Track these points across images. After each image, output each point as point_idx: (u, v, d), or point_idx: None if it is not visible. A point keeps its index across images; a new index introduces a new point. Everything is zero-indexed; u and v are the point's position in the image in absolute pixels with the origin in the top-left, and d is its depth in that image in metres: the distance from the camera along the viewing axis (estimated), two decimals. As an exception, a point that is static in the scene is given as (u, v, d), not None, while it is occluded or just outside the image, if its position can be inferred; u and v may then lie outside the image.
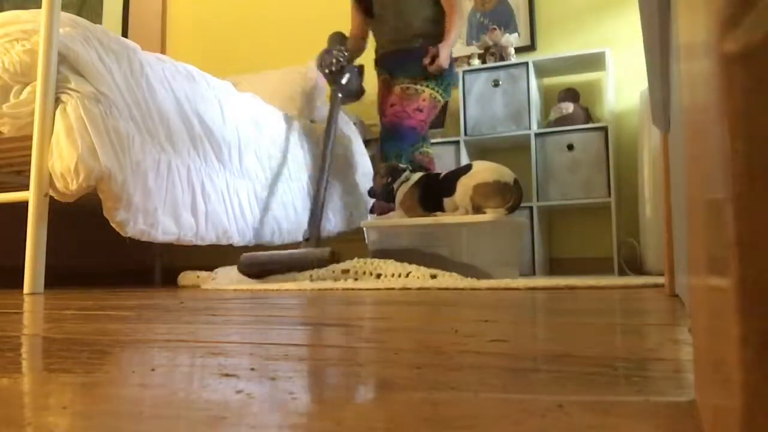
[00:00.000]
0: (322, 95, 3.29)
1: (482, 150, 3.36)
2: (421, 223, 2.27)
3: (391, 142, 2.73)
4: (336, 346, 0.56)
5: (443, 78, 2.78)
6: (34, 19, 1.88)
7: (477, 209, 2.25)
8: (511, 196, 2.25)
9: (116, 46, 2.02)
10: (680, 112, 0.60)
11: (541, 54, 3.26)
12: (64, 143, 1.81)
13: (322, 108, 3.31)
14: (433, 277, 2.00)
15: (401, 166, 2.52)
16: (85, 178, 1.79)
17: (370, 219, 2.72)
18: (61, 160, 1.80)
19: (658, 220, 2.45)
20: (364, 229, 2.49)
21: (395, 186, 2.48)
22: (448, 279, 1.95)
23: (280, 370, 0.43)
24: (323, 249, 2.31)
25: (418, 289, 1.70)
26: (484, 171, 2.29)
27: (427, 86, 2.75)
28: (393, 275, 2.06)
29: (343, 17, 3.74)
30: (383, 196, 2.54)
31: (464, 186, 2.27)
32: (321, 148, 2.71)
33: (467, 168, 2.34)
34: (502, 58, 3.22)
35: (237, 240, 2.41)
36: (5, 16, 1.95)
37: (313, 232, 2.48)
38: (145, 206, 1.99)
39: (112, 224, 1.92)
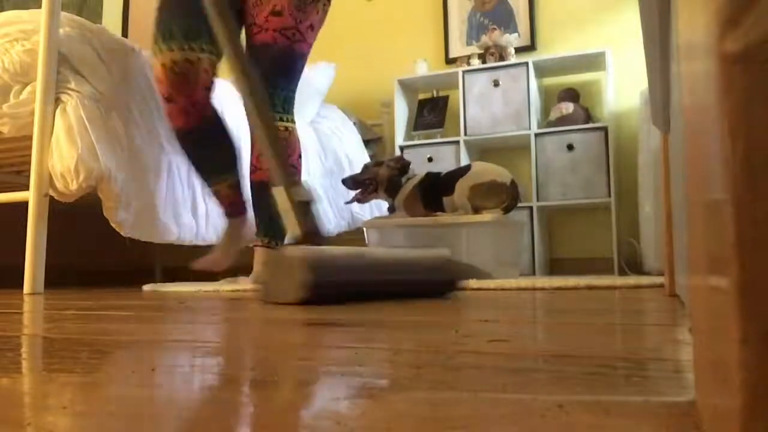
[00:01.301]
0: (322, 95, 3.29)
1: (482, 150, 3.36)
2: (421, 223, 2.26)
3: (278, 75, 1.85)
4: (336, 346, 0.56)
5: None
6: (34, 19, 1.88)
7: (475, 209, 2.25)
8: (507, 196, 2.26)
9: (116, 46, 2.02)
10: (680, 112, 0.60)
11: (541, 54, 3.26)
12: (63, 143, 1.81)
13: (322, 107, 3.31)
14: None
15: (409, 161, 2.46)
16: (85, 178, 1.79)
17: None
18: (60, 160, 1.80)
19: (658, 220, 2.45)
20: (364, 229, 2.48)
21: (403, 180, 2.41)
22: None
23: (279, 370, 0.43)
24: (437, 251, 1.39)
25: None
26: (480, 171, 2.30)
27: None
28: None
29: (343, 17, 3.74)
30: (389, 191, 2.40)
31: (461, 187, 2.28)
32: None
33: (466, 168, 2.35)
34: (502, 58, 3.22)
35: (237, 240, 2.41)
36: (5, 16, 1.95)
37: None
38: (146, 206, 1.99)
39: (112, 224, 1.92)
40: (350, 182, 2.47)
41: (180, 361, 0.49)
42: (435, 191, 2.37)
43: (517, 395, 0.34)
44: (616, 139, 3.03)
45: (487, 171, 2.30)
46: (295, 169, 1.91)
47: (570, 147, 2.96)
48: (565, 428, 0.27)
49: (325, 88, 3.27)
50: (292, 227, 1.34)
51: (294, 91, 1.91)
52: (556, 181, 2.98)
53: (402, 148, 3.27)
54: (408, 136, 3.39)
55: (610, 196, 2.87)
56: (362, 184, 2.46)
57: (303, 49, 1.89)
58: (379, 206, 3.18)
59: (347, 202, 2.57)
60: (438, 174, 2.43)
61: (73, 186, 1.80)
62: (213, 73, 1.88)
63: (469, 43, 3.51)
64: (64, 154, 1.80)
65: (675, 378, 0.39)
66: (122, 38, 2.10)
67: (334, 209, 3.06)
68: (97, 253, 3.08)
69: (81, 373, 0.43)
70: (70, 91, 1.85)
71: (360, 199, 2.47)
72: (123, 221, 1.92)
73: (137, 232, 1.97)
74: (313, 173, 3.03)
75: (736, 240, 0.17)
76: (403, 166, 2.41)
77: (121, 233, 1.94)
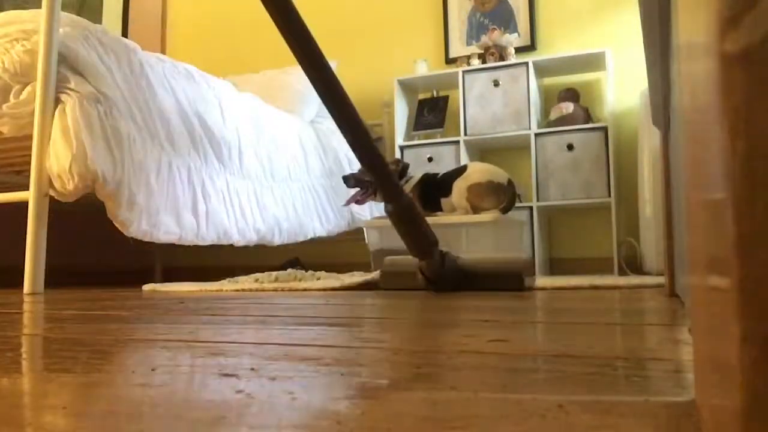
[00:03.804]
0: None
1: (482, 150, 3.36)
2: (421, 223, 2.26)
3: None
4: (336, 345, 0.56)
5: None
6: (34, 19, 1.88)
7: (474, 210, 2.26)
8: (505, 196, 2.26)
9: (116, 46, 2.02)
10: (680, 112, 0.60)
11: (541, 54, 3.26)
12: (60, 144, 1.81)
13: (322, 107, 3.31)
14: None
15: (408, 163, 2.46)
16: (80, 179, 1.79)
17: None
18: (57, 160, 1.80)
19: (658, 220, 2.45)
20: (365, 229, 2.48)
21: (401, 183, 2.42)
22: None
23: (280, 370, 0.43)
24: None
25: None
26: (477, 172, 2.30)
27: None
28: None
29: (342, 16, 3.74)
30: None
31: (459, 188, 2.28)
32: None
33: (463, 169, 2.35)
34: (502, 58, 3.22)
35: (237, 239, 2.41)
36: (5, 16, 1.95)
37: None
38: (148, 206, 1.99)
39: (116, 224, 1.92)
40: (351, 180, 2.46)
41: (180, 361, 0.49)
42: (432, 192, 2.37)
43: (517, 395, 0.34)
44: (616, 139, 3.03)
45: (483, 171, 2.30)
46: None
47: (570, 147, 2.96)
48: (565, 428, 0.27)
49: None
50: None
51: None
52: (556, 181, 2.98)
53: (402, 148, 3.27)
54: (408, 136, 3.38)
55: (610, 196, 2.87)
56: (363, 184, 2.46)
57: None
58: (379, 206, 3.18)
59: (344, 204, 2.57)
60: (435, 175, 2.43)
61: (70, 186, 1.80)
62: None
63: (469, 43, 3.50)
64: (60, 154, 1.80)
65: (675, 378, 0.39)
66: (122, 38, 2.10)
67: (334, 209, 3.06)
68: (98, 253, 3.08)
69: (81, 373, 0.43)
70: (69, 91, 1.85)
71: (358, 201, 2.48)
72: (126, 221, 1.92)
73: (141, 232, 1.97)
74: (313, 173, 3.03)
75: (736, 240, 0.17)
76: (402, 169, 2.42)
77: (125, 233, 1.94)
